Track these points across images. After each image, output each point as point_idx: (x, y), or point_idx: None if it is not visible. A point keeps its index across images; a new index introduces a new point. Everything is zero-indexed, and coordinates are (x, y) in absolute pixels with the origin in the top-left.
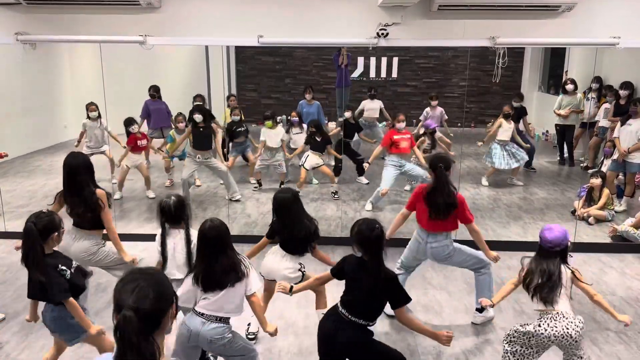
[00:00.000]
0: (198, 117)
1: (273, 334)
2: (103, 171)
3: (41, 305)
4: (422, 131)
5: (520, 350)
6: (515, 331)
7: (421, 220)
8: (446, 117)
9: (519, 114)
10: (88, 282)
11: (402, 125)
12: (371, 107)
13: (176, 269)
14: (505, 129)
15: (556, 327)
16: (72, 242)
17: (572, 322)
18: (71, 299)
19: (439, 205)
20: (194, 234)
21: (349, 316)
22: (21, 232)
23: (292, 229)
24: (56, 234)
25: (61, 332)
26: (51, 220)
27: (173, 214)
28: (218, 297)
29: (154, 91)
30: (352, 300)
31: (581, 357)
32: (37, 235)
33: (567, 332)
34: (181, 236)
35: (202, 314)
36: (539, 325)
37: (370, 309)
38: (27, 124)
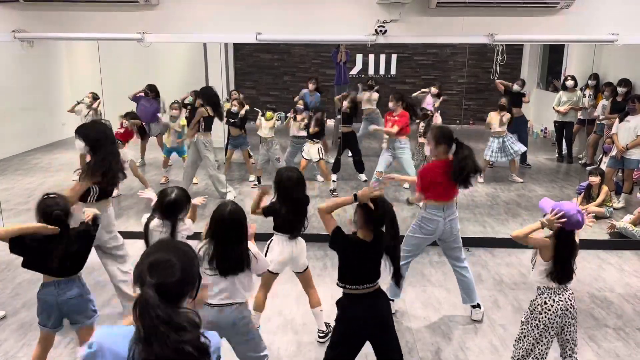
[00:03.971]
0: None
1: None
2: None
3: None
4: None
5: (536, 343)
6: (523, 327)
7: (441, 197)
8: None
9: (518, 99)
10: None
11: (390, 104)
12: (369, 99)
13: None
14: (495, 120)
15: (561, 300)
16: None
17: (571, 294)
18: None
19: (473, 169)
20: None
21: (366, 286)
22: None
23: (292, 209)
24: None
25: (79, 312)
26: (64, 199)
27: (164, 206)
28: (229, 284)
29: (149, 90)
30: (359, 275)
31: (575, 353)
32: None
33: (570, 303)
34: (167, 230)
35: (215, 305)
36: (545, 303)
37: (378, 271)
38: (25, 121)
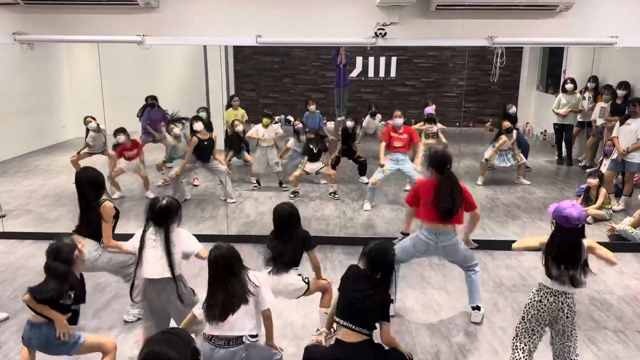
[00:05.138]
0: (198, 126)
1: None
2: (102, 170)
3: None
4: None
5: (527, 339)
6: (519, 324)
7: (430, 219)
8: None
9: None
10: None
11: (398, 121)
12: (373, 126)
13: (151, 269)
14: (509, 141)
15: (554, 302)
16: None
17: (568, 298)
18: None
19: (451, 209)
20: (179, 237)
21: (353, 327)
22: (20, 232)
23: (287, 241)
24: (76, 252)
25: (52, 354)
26: (71, 248)
27: (155, 214)
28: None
29: (153, 100)
30: (356, 311)
31: (576, 355)
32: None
33: (561, 307)
34: (162, 238)
35: (211, 338)
36: (535, 298)
37: (374, 316)
38: (25, 123)
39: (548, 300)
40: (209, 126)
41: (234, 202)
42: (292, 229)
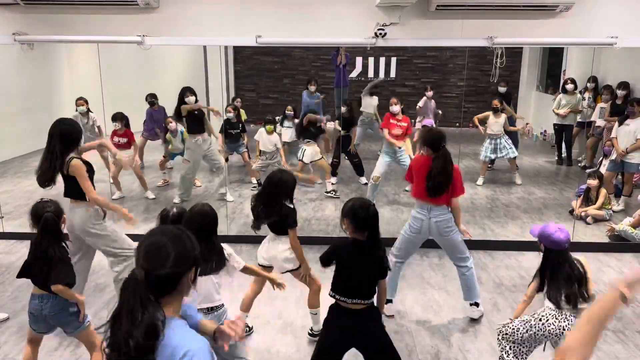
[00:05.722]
0: (191, 99)
1: (281, 285)
2: (100, 171)
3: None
4: (420, 123)
5: (514, 347)
6: (507, 326)
7: (421, 196)
8: (439, 111)
9: (507, 100)
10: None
11: (395, 108)
12: (369, 103)
13: None
14: (492, 123)
15: (554, 324)
16: (69, 215)
17: (571, 323)
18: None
19: (440, 186)
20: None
21: (354, 301)
22: (20, 232)
23: (270, 207)
24: (64, 215)
25: (64, 325)
26: (57, 204)
27: (170, 222)
28: (202, 286)
29: (152, 97)
30: (353, 285)
31: None
32: (58, 222)
33: (562, 332)
34: None
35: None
36: (540, 320)
37: (370, 287)
38: (25, 123)
39: (547, 320)
40: (197, 100)
41: (233, 201)
42: (274, 196)
